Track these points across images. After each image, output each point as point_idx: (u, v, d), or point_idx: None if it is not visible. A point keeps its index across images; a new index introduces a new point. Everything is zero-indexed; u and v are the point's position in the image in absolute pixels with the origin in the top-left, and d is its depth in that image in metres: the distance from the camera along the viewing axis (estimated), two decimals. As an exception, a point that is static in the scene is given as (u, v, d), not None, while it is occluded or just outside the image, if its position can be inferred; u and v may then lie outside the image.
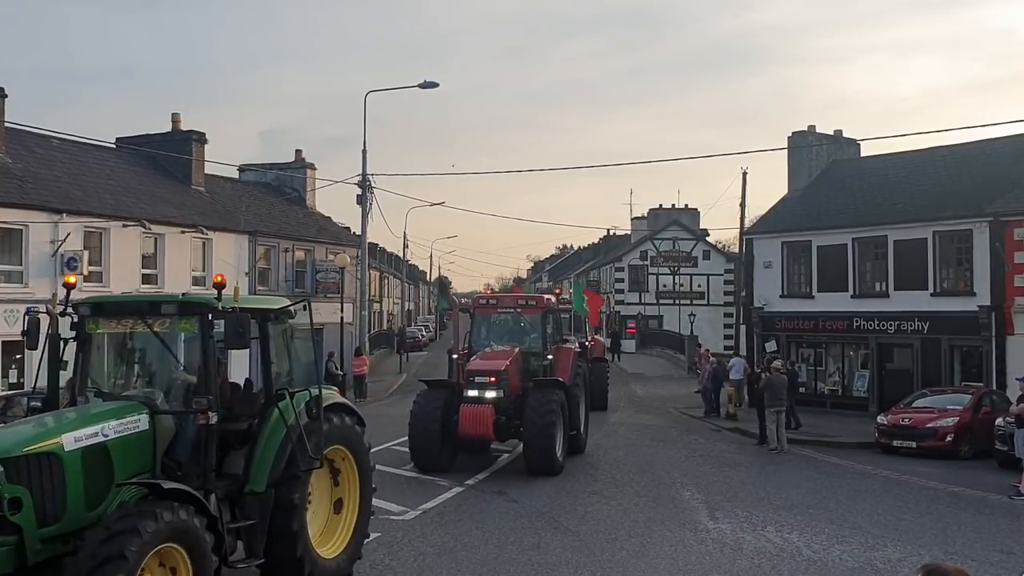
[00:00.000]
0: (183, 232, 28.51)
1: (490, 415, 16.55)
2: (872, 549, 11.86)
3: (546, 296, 21.41)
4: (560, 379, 17.87)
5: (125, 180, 29.27)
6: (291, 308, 9.41)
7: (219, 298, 8.26)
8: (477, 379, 16.97)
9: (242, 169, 38.73)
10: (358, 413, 10.08)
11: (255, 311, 8.94)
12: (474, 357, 18.10)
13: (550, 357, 18.76)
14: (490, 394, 16.76)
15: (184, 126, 32.41)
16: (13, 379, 23.18)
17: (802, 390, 28.19)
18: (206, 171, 32.85)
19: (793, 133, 33.15)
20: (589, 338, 29.84)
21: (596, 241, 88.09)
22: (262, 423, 8.86)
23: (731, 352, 37.51)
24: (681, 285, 60.56)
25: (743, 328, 34.29)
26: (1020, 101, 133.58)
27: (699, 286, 61.56)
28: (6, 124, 24.77)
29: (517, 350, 18.22)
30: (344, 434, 9.64)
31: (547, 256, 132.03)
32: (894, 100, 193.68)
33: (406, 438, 17.55)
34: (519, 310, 19.59)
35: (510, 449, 19.19)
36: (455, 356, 19.41)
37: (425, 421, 16.67)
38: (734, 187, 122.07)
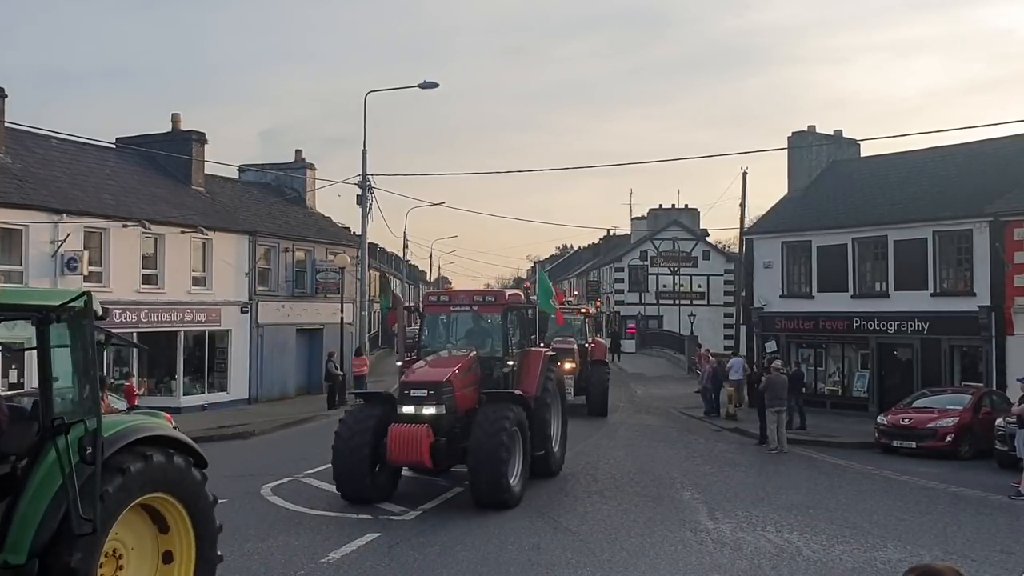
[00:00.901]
0: (183, 232, 28.51)
1: (425, 437, 13.66)
2: (872, 549, 11.86)
3: (509, 291, 18.87)
4: (518, 391, 15.14)
5: (125, 180, 29.28)
6: (76, 304, 6.65)
7: None
8: (413, 392, 14.19)
9: (242, 169, 38.74)
10: (195, 449, 7.50)
11: (14, 308, 6.75)
12: (418, 364, 15.44)
13: (511, 363, 15.85)
14: (428, 410, 13.98)
15: (184, 126, 32.41)
16: (13, 379, 23.19)
17: (803, 390, 28.19)
18: (206, 171, 32.87)
19: (793, 133, 33.21)
20: (590, 340, 29.22)
21: (596, 241, 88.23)
22: (32, 465, 6.42)
23: (731, 352, 37.52)
24: (681, 285, 60.60)
25: (743, 328, 34.31)
26: (1020, 101, 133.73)
27: (699, 286, 61.61)
28: (6, 124, 24.77)
29: (473, 355, 15.44)
30: (169, 478, 7.10)
31: (547, 256, 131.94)
32: (894, 100, 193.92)
33: None
34: (475, 308, 16.54)
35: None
36: (399, 364, 16.65)
37: (352, 443, 13.88)
38: (734, 187, 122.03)
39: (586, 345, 28.51)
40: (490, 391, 15.04)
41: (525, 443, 14.55)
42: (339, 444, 14.00)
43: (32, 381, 23.10)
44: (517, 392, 15.04)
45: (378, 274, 53.83)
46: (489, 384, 15.49)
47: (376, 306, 52.53)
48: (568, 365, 26.35)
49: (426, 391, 14.12)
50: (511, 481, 13.84)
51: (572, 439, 21.93)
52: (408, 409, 14.09)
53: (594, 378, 27.32)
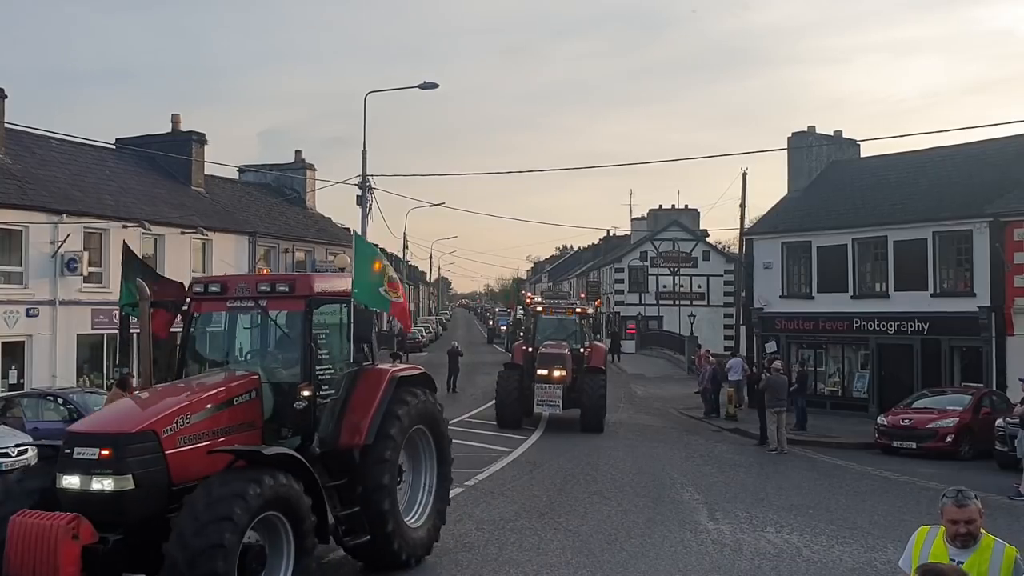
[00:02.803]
0: (183, 233, 28.52)
1: (66, 539, 7.46)
2: (872, 550, 11.86)
3: (322, 275, 13.09)
4: (272, 450, 8.59)
5: (125, 181, 29.29)
6: None
7: None
8: (78, 452, 7.95)
9: (242, 170, 38.81)
10: None
11: None
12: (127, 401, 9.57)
13: (305, 393, 9.40)
14: (100, 484, 7.82)
15: (184, 127, 32.47)
16: (13, 380, 23.19)
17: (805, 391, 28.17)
18: (206, 172, 32.89)
19: (793, 133, 33.24)
20: (587, 344, 26.04)
21: (596, 242, 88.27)
22: None
23: (731, 353, 37.51)
24: (681, 286, 60.62)
25: (743, 329, 34.31)
26: (1020, 101, 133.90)
27: (699, 287, 61.64)
28: (6, 125, 24.78)
29: (245, 382, 9.24)
30: None
31: (547, 256, 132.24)
32: (894, 100, 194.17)
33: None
34: (263, 302, 9.92)
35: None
36: (138, 395, 9.77)
37: None
38: (734, 187, 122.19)
39: (582, 350, 25.46)
40: (232, 448, 8.55)
41: (300, 537, 8.36)
42: None
43: (33, 382, 23.11)
44: (268, 451, 8.57)
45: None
46: (300, 428, 9.51)
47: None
48: (557, 373, 23.94)
49: (98, 450, 7.89)
50: None
51: (572, 441, 21.97)
52: (70, 480, 7.93)
53: (588, 388, 23.83)
